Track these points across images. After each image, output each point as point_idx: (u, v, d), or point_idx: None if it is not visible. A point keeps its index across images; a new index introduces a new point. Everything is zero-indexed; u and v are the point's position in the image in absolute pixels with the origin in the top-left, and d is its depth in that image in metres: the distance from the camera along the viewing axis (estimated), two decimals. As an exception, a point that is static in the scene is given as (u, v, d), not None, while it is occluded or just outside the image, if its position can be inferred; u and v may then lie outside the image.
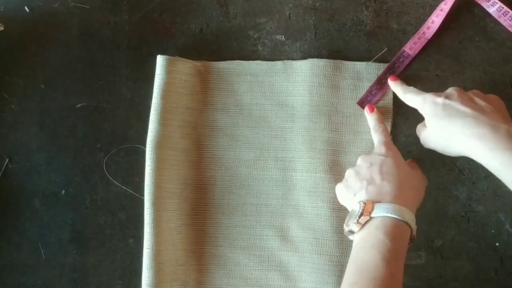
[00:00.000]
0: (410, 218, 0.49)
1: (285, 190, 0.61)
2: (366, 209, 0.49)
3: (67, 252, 0.61)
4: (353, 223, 0.50)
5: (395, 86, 0.59)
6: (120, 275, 0.61)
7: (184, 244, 0.60)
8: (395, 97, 0.61)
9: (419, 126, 0.56)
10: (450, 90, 0.53)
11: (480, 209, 0.60)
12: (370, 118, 0.59)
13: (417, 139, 0.61)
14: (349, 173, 0.55)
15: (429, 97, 0.53)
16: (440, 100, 0.52)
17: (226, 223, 0.61)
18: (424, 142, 0.56)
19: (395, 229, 0.48)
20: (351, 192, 0.53)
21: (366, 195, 0.51)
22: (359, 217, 0.49)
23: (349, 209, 0.54)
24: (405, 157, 0.60)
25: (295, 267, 0.60)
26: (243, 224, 0.61)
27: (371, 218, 0.49)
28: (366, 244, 0.48)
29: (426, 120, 0.54)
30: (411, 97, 0.56)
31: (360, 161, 0.55)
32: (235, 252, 0.60)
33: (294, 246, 0.60)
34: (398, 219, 0.49)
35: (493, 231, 0.59)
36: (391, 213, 0.48)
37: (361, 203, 0.50)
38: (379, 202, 0.50)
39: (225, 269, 0.60)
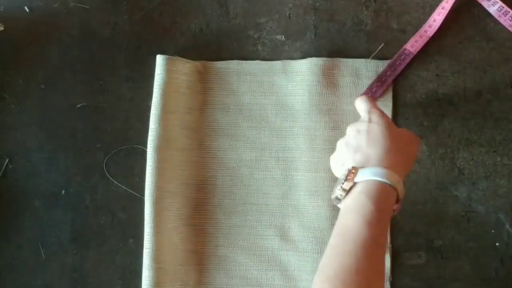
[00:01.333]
0: (395, 180, 0.48)
1: (286, 190, 0.61)
2: (350, 175, 0.48)
3: (67, 252, 0.61)
4: (338, 189, 0.49)
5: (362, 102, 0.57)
6: (120, 275, 0.61)
7: (184, 244, 0.60)
8: (394, 96, 0.61)
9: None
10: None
11: (480, 209, 0.60)
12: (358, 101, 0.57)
13: (417, 139, 0.61)
14: (339, 143, 0.54)
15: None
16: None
17: (226, 223, 0.61)
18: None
19: (378, 192, 0.47)
20: (340, 162, 0.52)
21: (353, 162, 0.50)
22: (343, 183, 0.48)
23: (337, 172, 0.53)
24: (405, 157, 0.60)
25: (295, 267, 0.60)
26: (243, 224, 0.61)
27: (355, 183, 0.48)
28: (350, 209, 0.47)
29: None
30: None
31: (348, 130, 0.53)
32: (235, 252, 0.60)
33: (294, 246, 0.60)
34: (381, 181, 0.47)
35: (493, 231, 0.59)
36: (374, 176, 0.47)
37: (346, 170, 0.49)
38: (364, 166, 0.49)
39: (225, 269, 0.60)
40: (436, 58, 0.62)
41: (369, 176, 0.48)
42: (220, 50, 0.64)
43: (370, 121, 0.52)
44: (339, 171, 0.53)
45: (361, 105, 0.55)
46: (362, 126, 0.52)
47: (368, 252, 0.44)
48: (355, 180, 0.48)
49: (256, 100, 0.62)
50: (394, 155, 0.50)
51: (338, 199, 0.50)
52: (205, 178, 0.62)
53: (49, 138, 0.63)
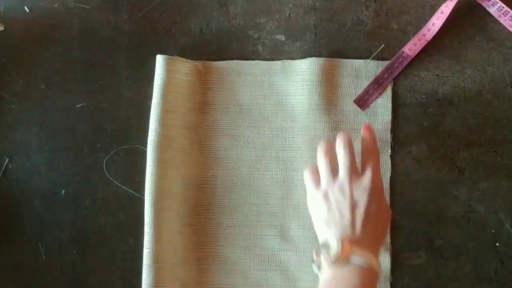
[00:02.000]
0: (380, 268, 0.49)
1: (286, 190, 0.61)
2: (345, 251, 0.47)
3: (67, 252, 0.61)
4: (327, 261, 0.48)
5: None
6: (120, 275, 0.61)
7: (184, 244, 0.60)
8: (394, 96, 0.61)
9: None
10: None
11: (480, 209, 0.60)
12: (368, 139, 0.54)
13: (417, 139, 0.61)
14: (332, 193, 0.52)
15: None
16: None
17: (226, 223, 0.61)
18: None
19: (368, 278, 0.48)
20: (324, 220, 0.51)
21: (343, 234, 0.49)
22: (336, 257, 0.47)
23: (317, 228, 0.53)
24: (404, 156, 0.61)
25: (295, 267, 0.60)
26: (243, 224, 0.61)
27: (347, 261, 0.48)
28: (340, 286, 0.47)
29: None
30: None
31: (347, 187, 0.51)
32: (235, 252, 0.60)
33: (294, 246, 0.60)
34: (372, 269, 0.48)
35: (493, 231, 0.59)
36: (368, 264, 0.48)
37: (339, 242, 0.48)
38: (356, 245, 0.48)
39: (225, 269, 0.60)
40: (436, 58, 0.62)
41: (364, 262, 0.47)
42: (220, 50, 0.64)
43: (372, 194, 0.51)
44: (320, 224, 0.52)
45: (371, 158, 0.53)
46: (363, 197, 0.51)
47: None
48: (351, 260, 0.48)
49: (256, 100, 0.62)
50: (380, 239, 0.52)
51: (318, 265, 0.49)
52: (205, 178, 0.62)
53: (49, 138, 0.63)
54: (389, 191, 0.60)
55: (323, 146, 0.54)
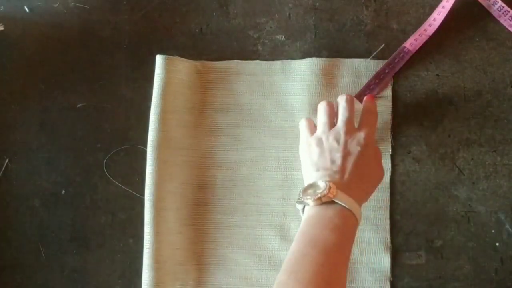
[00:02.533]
0: (360, 218, 0.51)
1: (286, 190, 0.61)
2: (332, 192, 0.49)
3: (67, 252, 0.61)
4: (312, 199, 0.49)
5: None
6: (120, 275, 0.61)
7: (184, 244, 0.60)
8: (394, 96, 0.61)
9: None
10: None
11: (480, 209, 0.60)
12: (370, 102, 0.59)
13: (417, 139, 0.61)
14: (326, 139, 0.54)
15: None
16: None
17: (226, 223, 0.61)
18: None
19: (349, 221, 0.49)
20: (314, 164, 0.53)
21: (331, 178, 0.51)
22: (322, 194, 0.49)
23: (305, 172, 0.55)
24: (404, 156, 0.61)
25: (295, 267, 0.60)
26: (243, 224, 0.61)
27: (332, 201, 0.49)
28: (321, 222, 0.49)
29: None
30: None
31: (343, 136, 0.54)
32: (235, 252, 0.60)
33: (294, 246, 0.60)
34: (354, 215, 0.50)
35: (493, 231, 0.59)
36: (353, 210, 0.49)
37: (327, 183, 0.50)
38: (341, 191, 0.50)
39: (225, 269, 0.60)
40: (436, 58, 0.62)
41: (348, 206, 0.49)
42: (220, 50, 0.64)
43: (365, 147, 0.53)
44: (308, 168, 0.54)
45: (368, 117, 0.56)
46: (356, 148, 0.53)
47: (337, 266, 0.48)
48: (334, 199, 0.49)
49: (256, 100, 0.62)
50: (369, 192, 0.54)
51: (305, 204, 0.51)
52: (205, 178, 0.62)
53: (49, 138, 0.63)
54: (389, 191, 0.60)
55: (325, 101, 0.57)
